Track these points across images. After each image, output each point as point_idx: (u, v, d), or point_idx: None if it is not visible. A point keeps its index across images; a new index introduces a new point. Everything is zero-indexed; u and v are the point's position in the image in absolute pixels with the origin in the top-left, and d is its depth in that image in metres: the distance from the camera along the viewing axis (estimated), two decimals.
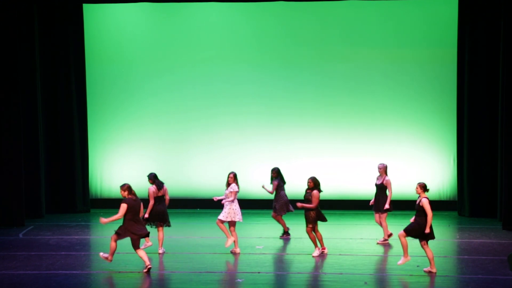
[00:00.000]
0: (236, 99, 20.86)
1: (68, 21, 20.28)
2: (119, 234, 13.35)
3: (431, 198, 20.35)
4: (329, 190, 20.34)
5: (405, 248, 13.29)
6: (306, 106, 20.70)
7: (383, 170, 16.06)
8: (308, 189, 14.81)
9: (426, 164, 20.49)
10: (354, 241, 16.30)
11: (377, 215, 16.07)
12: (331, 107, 20.69)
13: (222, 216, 14.90)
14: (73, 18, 20.35)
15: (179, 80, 20.94)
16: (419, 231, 13.09)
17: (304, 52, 20.64)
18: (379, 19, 20.45)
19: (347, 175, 20.63)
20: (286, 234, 16.64)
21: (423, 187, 13.23)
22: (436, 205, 20.40)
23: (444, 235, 17.41)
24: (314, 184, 14.78)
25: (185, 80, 20.92)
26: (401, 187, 20.00)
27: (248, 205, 19.51)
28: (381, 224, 16.03)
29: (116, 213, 13.24)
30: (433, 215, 19.90)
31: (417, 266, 13.67)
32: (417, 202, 13.18)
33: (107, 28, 20.98)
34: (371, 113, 20.58)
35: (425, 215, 13.02)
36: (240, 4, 20.36)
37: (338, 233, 17.55)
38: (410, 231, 13.19)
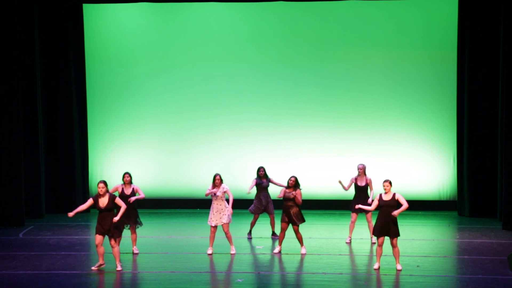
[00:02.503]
0: (236, 99, 20.87)
1: (68, 21, 20.28)
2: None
3: (431, 198, 20.61)
4: (329, 190, 20.39)
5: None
6: (305, 106, 20.70)
7: (364, 170, 16.06)
8: (288, 187, 14.79)
9: (426, 164, 20.49)
10: (354, 241, 16.28)
11: (368, 215, 15.94)
12: (331, 107, 20.69)
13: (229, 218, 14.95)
14: (73, 18, 20.35)
15: (179, 80, 20.94)
16: (394, 228, 13.28)
17: (304, 52, 20.64)
18: (380, 19, 20.44)
19: (347, 175, 20.58)
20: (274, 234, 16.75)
21: (391, 183, 13.50)
22: (436, 205, 20.55)
23: (444, 235, 17.42)
24: (295, 182, 14.79)
25: (185, 80, 20.92)
26: (401, 187, 19.97)
27: (248, 205, 19.49)
28: (370, 223, 15.93)
29: (119, 208, 13.42)
30: (433, 215, 20.01)
31: (417, 266, 13.67)
32: (389, 199, 13.29)
33: (107, 28, 20.98)
34: (371, 113, 20.58)
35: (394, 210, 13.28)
36: (240, 4, 20.36)
37: (338, 233, 17.55)
38: (386, 232, 13.31)
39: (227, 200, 15.00)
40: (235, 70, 20.84)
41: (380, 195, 13.47)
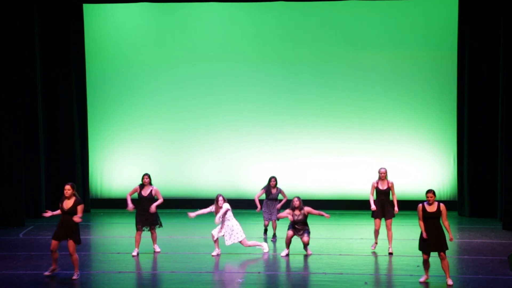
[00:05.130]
0: (236, 99, 20.87)
1: (68, 21, 20.29)
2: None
3: None
4: (330, 190, 20.41)
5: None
6: (305, 106, 20.71)
7: (386, 174, 15.13)
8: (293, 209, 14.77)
9: (426, 164, 20.50)
10: (354, 241, 16.29)
11: (388, 222, 15.11)
12: (331, 107, 20.69)
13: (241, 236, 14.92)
14: (73, 18, 20.36)
15: (179, 79, 20.95)
16: (443, 242, 12.48)
17: (304, 52, 20.65)
18: (380, 19, 20.45)
19: (347, 175, 20.63)
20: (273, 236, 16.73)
21: (435, 193, 12.63)
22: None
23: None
24: (300, 203, 14.75)
25: (185, 79, 20.93)
26: (402, 187, 19.99)
27: (248, 205, 19.53)
28: (390, 231, 15.06)
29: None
30: None
31: (417, 266, 13.66)
32: (434, 210, 12.43)
33: (107, 28, 20.99)
34: (372, 114, 20.59)
35: (440, 222, 12.48)
36: (240, 4, 20.37)
37: (338, 233, 17.56)
38: (433, 246, 12.46)
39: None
40: (235, 70, 20.84)
41: (423, 205, 12.52)
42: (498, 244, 15.98)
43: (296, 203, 14.69)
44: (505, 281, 12.69)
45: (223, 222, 14.78)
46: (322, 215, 14.82)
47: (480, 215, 19.55)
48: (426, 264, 12.55)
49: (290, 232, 14.72)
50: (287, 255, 14.76)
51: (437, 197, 20.41)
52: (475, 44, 19.37)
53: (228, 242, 14.77)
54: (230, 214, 14.79)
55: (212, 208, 14.88)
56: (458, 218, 19.65)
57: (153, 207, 14.66)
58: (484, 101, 19.48)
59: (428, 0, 20.40)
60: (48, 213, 13.11)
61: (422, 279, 12.63)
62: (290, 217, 14.70)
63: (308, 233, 14.76)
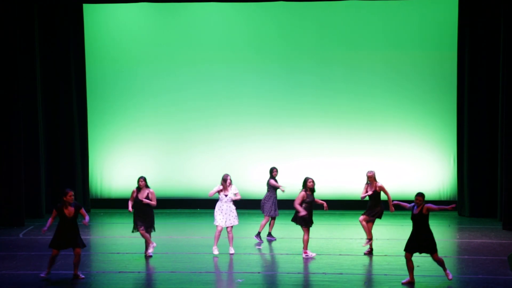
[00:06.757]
0: (236, 100, 20.87)
1: (68, 21, 20.29)
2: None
3: (431, 198, 20.61)
4: (329, 190, 20.39)
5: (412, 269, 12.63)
6: (305, 107, 20.70)
7: (373, 177, 15.00)
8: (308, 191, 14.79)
9: (426, 164, 20.50)
10: (354, 241, 16.29)
11: (370, 220, 15.07)
12: (331, 108, 20.69)
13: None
14: (73, 18, 20.35)
15: (179, 80, 20.94)
16: (429, 245, 12.49)
17: (303, 53, 20.63)
18: (380, 20, 20.44)
19: (348, 175, 20.62)
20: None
21: (424, 196, 12.58)
22: (436, 205, 20.45)
23: (444, 235, 17.41)
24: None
25: (185, 80, 20.92)
26: (402, 187, 20.01)
27: (247, 205, 19.53)
28: (367, 226, 14.96)
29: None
30: (434, 215, 19.89)
31: (417, 266, 13.66)
32: (417, 212, 12.48)
33: (107, 28, 20.98)
34: (372, 114, 20.58)
35: (428, 225, 12.48)
36: (240, 4, 20.36)
37: (338, 233, 17.56)
38: (416, 248, 12.51)
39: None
40: (235, 71, 20.84)
41: (413, 207, 12.59)
42: (498, 244, 15.98)
43: (310, 184, 14.77)
44: (505, 281, 12.69)
45: (223, 202, 14.76)
46: (322, 204, 14.97)
47: (480, 215, 19.55)
48: (408, 264, 12.50)
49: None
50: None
51: (437, 197, 20.48)
52: (475, 44, 19.37)
53: (227, 223, 14.74)
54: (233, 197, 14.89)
55: (220, 187, 14.82)
56: (458, 218, 19.65)
57: (145, 200, 14.43)
58: (484, 101, 19.48)
59: (428, 1, 20.39)
60: (45, 229, 13.01)
61: (404, 281, 12.55)
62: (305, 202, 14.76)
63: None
